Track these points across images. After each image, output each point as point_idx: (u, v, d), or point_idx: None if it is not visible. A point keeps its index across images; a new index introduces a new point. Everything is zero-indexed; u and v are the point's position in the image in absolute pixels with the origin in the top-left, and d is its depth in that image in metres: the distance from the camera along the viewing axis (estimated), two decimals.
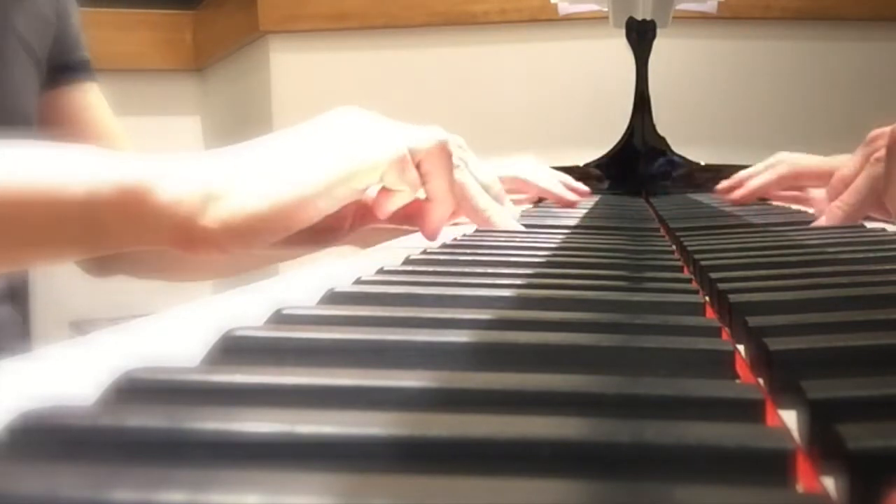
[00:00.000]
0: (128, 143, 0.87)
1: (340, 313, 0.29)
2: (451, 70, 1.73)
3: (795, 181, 0.90)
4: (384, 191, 0.52)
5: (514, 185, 0.97)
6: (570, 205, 0.96)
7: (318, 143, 0.49)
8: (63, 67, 0.82)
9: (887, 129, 0.59)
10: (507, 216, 0.64)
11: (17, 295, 0.76)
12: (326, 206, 0.47)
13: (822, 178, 0.79)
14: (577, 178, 1.14)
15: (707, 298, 0.36)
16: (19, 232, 0.45)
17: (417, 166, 0.51)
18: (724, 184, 0.96)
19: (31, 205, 0.44)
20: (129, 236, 0.46)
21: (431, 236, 0.56)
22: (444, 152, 0.54)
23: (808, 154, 0.91)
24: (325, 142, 0.49)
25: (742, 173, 0.94)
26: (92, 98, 0.86)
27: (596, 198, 1.05)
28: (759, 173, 0.92)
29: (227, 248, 0.45)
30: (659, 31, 1.12)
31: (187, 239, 0.45)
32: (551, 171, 1.02)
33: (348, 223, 0.56)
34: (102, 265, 0.82)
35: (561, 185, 1.00)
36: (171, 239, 0.45)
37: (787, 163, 0.90)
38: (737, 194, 0.92)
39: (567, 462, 0.15)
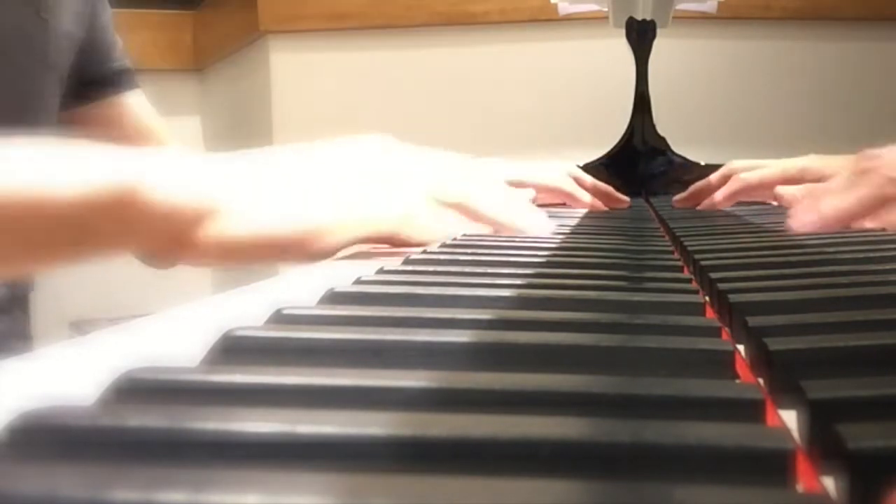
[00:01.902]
0: (170, 143, 0.86)
1: (340, 313, 0.29)
2: (451, 70, 1.73)
3: (748, 196, 0.91)
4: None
5: (558, 199, 0.95)
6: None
7: (332, 175, 0.48)
8: (93, 81, 0.81)
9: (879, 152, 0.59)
10: (534, 221, 0.62)
11: (21, 302, 0.76)
12: (329, 248, 0.46)
13: (772, 188, 0.80)
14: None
15: (707, 298, 0.36)
16: (5, 236, 0.43)
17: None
18: (679, 197, 0.98)
19: (19, 206, 0.42)
20: (120, 240, 0.44)
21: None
22: (470, 197, 0.53)
23: (759, 159, 0.91)
24: (341, 176, 0.48)
25: (697, 186, 0.96)
26: (127, 108, 0.83)
27: None
28: (710, 188, 0.93)
29: (215, 264, 0.45)
30: (659, 31, 1.12)
31: (178, 248, 0.44)
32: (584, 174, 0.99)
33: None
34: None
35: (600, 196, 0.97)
36: (162, 246, 0.44)
37: (738, 179, 0.90)
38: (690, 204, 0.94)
39: (567, 462, 0.15)
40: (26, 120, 0.72)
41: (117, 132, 0.81)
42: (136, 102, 0.85)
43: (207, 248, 0.44)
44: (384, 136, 0.52)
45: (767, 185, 0.84)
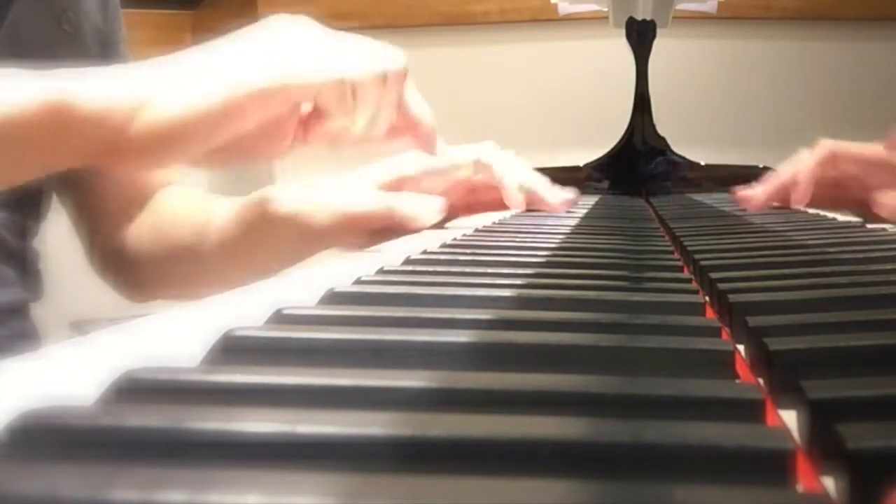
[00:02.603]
0: None
1: (340, 313, 0.29)
2: (451, 70, 1.73)
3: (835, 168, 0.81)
4: (316, 112, 0.50)
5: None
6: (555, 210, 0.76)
7: (256, 48, 0.48)
8: None
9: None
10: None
11: (17, 313, 0.76)
12: (255, 114, 0.46)
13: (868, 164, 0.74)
14: (577, 178, 1.14)
15: (707, 298, 0.36)
16: None
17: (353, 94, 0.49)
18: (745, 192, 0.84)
19: None
20: (59, 152, 0.44)
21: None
22: (388, 85, 0.51)
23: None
24: (263, 48, 0.48)
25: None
26: None
27: (596, 198, 1.04)
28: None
29: (155, 158, 0.44)
30: (659, 31, 1.12)
31: (114, 150, 0.44)
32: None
33: (288, 139, 0.53)
34: (137, 287, 0.81)
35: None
36: (100, 152, 0.44)
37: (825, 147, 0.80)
38: (759, 195, 0.82)
39: (567, 462, 0.15)
40: None
41: None
42: None
43: (142, 143, 0.43)
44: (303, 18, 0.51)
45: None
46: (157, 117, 0.44)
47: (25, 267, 0.72)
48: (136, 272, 0.78)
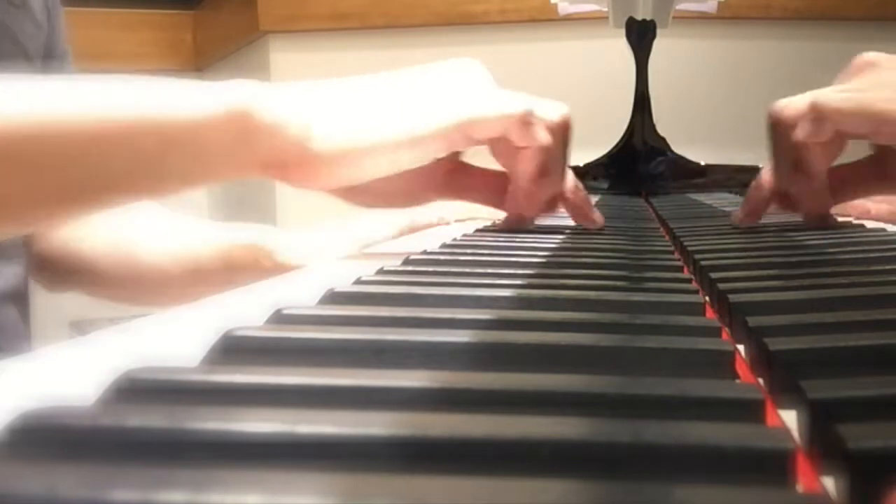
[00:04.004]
0: None
1: (340, 313, 0.29)
2: None
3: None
4: (507, 144, 0.52)
5: None
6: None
7: (434, 88, 0.50)
8: (50, 65, 0.81)
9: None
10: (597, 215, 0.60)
11: (21, 296, 0.76)
12: (438, 148, 0.48)
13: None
14: (578, 178, 1.14)
15: (707, 298, 0.36)
16: (124, 162, 0.45)
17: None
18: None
19: (138, 133, 0.44)
20: (236, 160, 0.46)
21: (518, 219, 0.56)
22: (567, 128, 0.53)
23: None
24: (443, 88, 0.50)
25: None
26: None
27: (596, 198, 1.04)
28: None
29: (330, 176, 0.46)
30: (659, 31, 1.12)
31: (295, 161, 0.45)
32: None
33: (436, 187, 0.56)
34: (55, 278, 0.81)
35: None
36: (278, 161, 0.45)
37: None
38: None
39: (567, 462, 0.15)
40: None
41: None
42: None
43: (323, 157, 0.45)
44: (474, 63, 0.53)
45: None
46: (340, 136, 0.46)
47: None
48: (69, 267, 0.78)
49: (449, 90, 0.50)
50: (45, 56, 0.79)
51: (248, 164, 0.46)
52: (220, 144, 0.45)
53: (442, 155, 0.50)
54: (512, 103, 0.50)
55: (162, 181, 0.47)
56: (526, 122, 0.50)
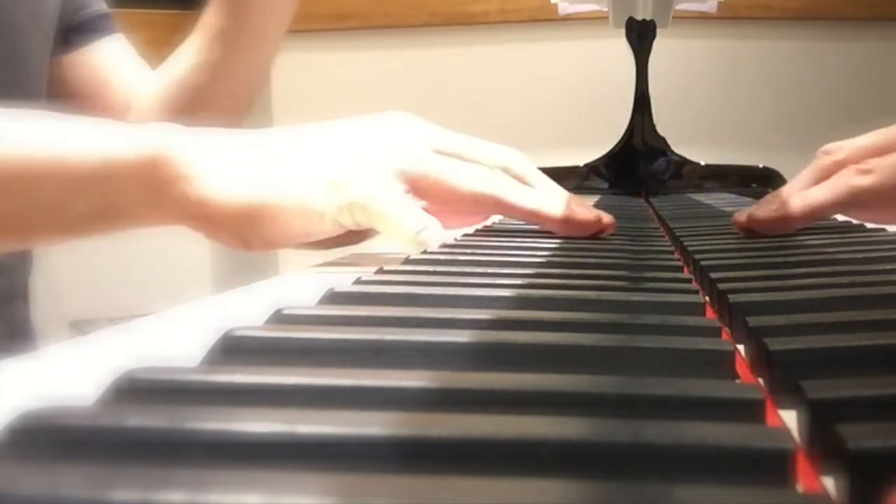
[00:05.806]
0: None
1: (340, 313, 0.29)
2: (451, 70, 1.73)
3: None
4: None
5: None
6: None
7: (351, 156, 0.46)
8: (72, 29, 0.80)
9: (843, 143, 0.55)
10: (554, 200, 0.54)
11: (24, 295, 0.76)
12: (330, 230, 0.45)
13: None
14: (577, 178, 1.14)
15: (707, 298, 0.36)
16: (28, 203, 0.43)
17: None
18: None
19: (42, 176, 0.42)
20: (144, 209, 0.43)
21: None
22: (430, 175, 0.48)
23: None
24: (353, 164, 0.46)
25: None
26: (108, 53, 0.82)
27: (596, 198, 1.04)
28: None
29: (237, 236, 0.43)
30: (659, 31, 1.12)
31: (197, 215, 0.43)
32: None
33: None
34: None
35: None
36: (185, 213, 0.43)
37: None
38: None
39: (567, 462, 0.15)
40: (17, 80, 0.72)
41: (100, 87, 0.81)
42: (115, 48, 0.84)
43: (216, 215, 0.43)
44: (405, 114, 0.50)
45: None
46: (240, 192, 0.43)
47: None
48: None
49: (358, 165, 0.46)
50: (64, 25, 0.78)
51: (158, 213, 0.43)
52: (125, 191, 0.43)
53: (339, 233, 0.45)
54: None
55: (66, 228, 0.45)
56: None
